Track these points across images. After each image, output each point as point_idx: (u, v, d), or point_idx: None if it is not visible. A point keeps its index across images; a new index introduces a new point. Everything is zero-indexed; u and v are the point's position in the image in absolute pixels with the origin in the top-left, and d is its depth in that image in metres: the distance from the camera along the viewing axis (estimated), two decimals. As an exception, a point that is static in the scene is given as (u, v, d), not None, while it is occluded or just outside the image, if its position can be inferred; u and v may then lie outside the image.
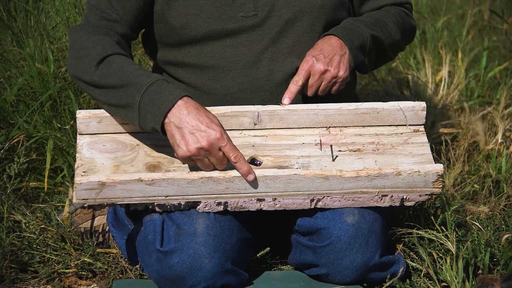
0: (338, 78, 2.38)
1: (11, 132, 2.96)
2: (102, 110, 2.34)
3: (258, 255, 2.46)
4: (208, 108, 2.31)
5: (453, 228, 2.42)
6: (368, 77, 3.80)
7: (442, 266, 2.34)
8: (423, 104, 2.38)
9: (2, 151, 2.91)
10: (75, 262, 2.53)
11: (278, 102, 2.38)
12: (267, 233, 2.51)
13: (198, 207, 2.26)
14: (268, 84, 2.41)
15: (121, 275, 2.50)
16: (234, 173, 2.22)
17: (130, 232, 2.48)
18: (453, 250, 2.34)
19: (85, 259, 2.53)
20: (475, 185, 3.00)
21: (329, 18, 2.45)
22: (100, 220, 2.64)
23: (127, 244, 2.50)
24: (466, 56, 3.76)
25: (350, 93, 2.55)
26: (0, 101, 3.03)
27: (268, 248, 2.47)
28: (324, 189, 2.25)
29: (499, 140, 3.21)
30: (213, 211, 2.27)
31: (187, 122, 2.17)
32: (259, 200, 2.26)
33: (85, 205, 2.21)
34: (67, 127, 2.98)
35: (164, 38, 2.44)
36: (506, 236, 2.44)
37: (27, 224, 2.67)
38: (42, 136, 2.98)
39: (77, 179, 2.18)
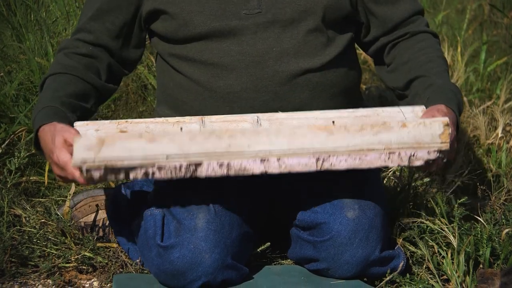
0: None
1: (12, 127, 2.96)
2: (101, 121, 2.32)
3: (258, 250, 2.46)
4: (207, 117, 2.31)
5: (456, 221, 2.42)
6: (369, 72, 3.80)
7: (443, 260, 2.34)
8: (422, 107, 2.36)
9: (2, 145, 2.91)
10: (76, 257, 2.53)
11: (282, 102, 2.36)
12: (267, 228, 2.51)
13: (200, 169, 2.20)
14: (272, 84, 2.38)
15: (121, 270, 2.50)
16: (235, 126, 2.20)
17: (131, 226, 2.49)
18: (455, 244, 2.34)
19: (86, 253, 2.53)
20: (475, 179, 3.01)
21: (335, 17, 2.41)
22: (101, 215, 2.64)
23: (127, 238, 2.50)
24: (465, 50, 3.76)
25: (354, 90, 2.53)
26: (0, 96, 3.03)
27: (269, 243, 2.47)
28: (329, 146, 2.22)
29: (499, 135, 3.22)
30: (216, 174, 2.19)
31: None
32: (263, 160, 2.22)
33: (83, 168, 2.16)
34: (67, 121, 2.98)
35: (167, 34, 2.42)
36: (506, 230, 2.45)
37: (28, 219, 2.67)
38: (43, 131, 2.97)
39: (76, 137, 2.12)
